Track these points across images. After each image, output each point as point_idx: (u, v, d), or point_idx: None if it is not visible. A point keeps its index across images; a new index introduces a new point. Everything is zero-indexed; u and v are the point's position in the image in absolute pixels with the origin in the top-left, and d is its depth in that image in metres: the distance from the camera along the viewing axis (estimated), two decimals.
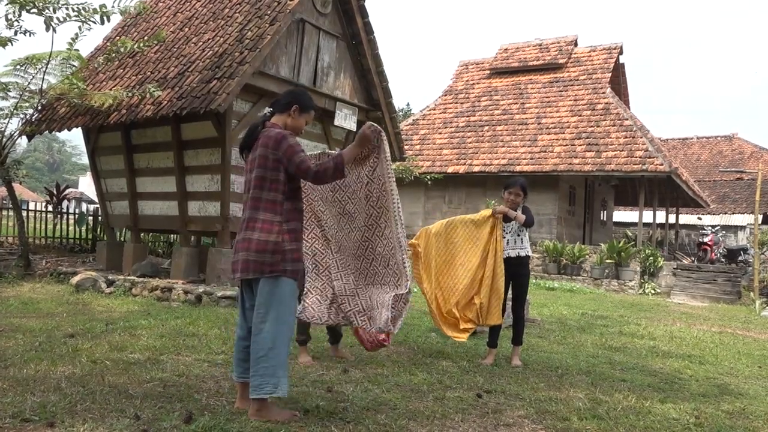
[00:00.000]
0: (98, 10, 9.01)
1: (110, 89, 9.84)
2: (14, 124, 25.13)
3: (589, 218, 21.51)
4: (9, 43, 9.34)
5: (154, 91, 8.86)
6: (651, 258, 17.25)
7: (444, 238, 5.47)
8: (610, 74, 20.98)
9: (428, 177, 19.27)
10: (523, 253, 5.46)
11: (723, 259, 20.31)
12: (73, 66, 10.64)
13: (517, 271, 5.45)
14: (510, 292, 5.54)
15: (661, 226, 23.39)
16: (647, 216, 20.82)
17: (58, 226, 13.46)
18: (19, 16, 8.95)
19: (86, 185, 48.88)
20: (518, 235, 5.46)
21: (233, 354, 3.57)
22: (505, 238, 5.44)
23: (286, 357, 3.35)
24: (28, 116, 10.78)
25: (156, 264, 10.24)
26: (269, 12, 9.14)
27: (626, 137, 18.20)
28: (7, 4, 8.71)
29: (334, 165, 3.38)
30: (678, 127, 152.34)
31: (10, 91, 10.49)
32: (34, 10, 8.75)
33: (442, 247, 5.44)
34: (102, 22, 9.14)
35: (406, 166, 18.51)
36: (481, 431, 3.43)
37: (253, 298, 3.39)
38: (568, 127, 19.51)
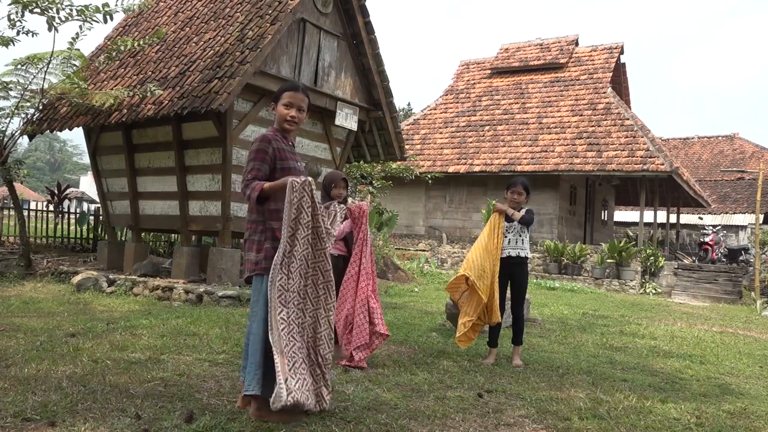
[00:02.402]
0: (101, 9, 9.02)
1: (111, 89, 9.85)
2: (15, 124, 25.10)
3: (590, 218, 21.50)
4: (11, 43, 9.35)
5: (155, 90, 8.86)
6: (652, 258, 17.25)
7: (479, 260, 5.46)
8: (611, 74, 20.96)
9: (429, 176, 19.27)
10: (522, 254, 5.46)
11: (724, 259, 20.30)
12: (74, 65, 10.65)
13: (515, 270, 5.45)
14: (509, 291, 5.55)
15: (662, 225, 23.38)
16: (648, 216, 20.80)
17: (59, 226, 13.47)
18: (22, 16, 8.96)
19: (87, 185, 48.92)
20: (519, 236, 5.47)
21: (243, 354, 3.57)
22: (506, 237, 5.44)
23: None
24: (29, 116, 10.79)
25: (157, 263, 10.25)
26: (270, 11, 9.14)
27: (627, 137, 18.18)
28: (10, 5, 8.72)
29: (248, 193, 3.33)
30: (679, 126, 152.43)
31: (11, 91, 10.50)
32: (37, 10, 8.75)
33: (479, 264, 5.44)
34: (105, 21, 9.14)
35: (407, 165, 18.51)
36: (482, 431, 3.43)
37: None
38: (569, 127, 19.49)
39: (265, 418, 3.25)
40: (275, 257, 3.23)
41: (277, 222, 3.37)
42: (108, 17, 9.15)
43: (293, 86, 3.56)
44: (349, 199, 5.90)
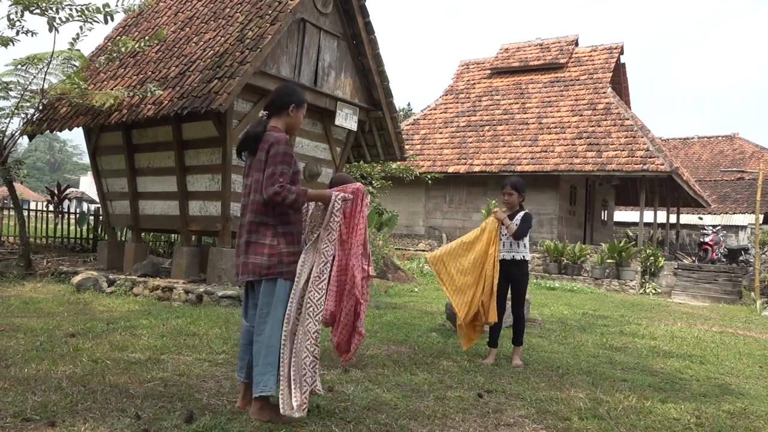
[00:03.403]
0: (101, 9, 9.01)
1: (111, 89, 9.85)
2: (15, 124, 25.20)
3: (589, 218, 21.50)
4: (11, 43, 9.35)
5: (155, 90, 8.86)
6: (652, 258, 17.24)
7: (457, 252, 5.47)
8: (610, 74, 20.97)
9: (429, 176, 19.27)
10: (518, 257, 5.45)
11: (724, 259, 20.29)
12: (75, 66, 10.65)
13: (513, 272, 5.45)
14: (509, 292, 5.56)
15: (662, 225, 23.38)
16: (648, 216, 20.80)
17: (59, 226, 13.47)
18: (22, 16, 8.96)
19: (87, 185, 48.93)
20: (515, 239, 5.47)
21: (238, 354, 3.58)
22: (501, 240, 5.45)
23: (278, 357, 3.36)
24: (29, 116, 10.79)
25: (157, 263, 10.24)
26: (270, 11, 9.14)
27: (627, 137, 18.19)
28: (10, 5, 8.72)
29: (293, 198, 3.29)
30: (679, 126, 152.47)
31: (11, 91, 10.50)
32: (37, 11, 8.75)
33: (458, 261, 5.44)
34: (105, 22, 9.13)
35: (407, 165, 18.51)
36: (482, 431, 3.43)
37: (256, 299, 3.44)
38: (569, 127, 19.50)
39: (265, 418, 3.25)
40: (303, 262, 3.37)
41: (290, 226, 3.41)
42: (108, 18, 9.14)
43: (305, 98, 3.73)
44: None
